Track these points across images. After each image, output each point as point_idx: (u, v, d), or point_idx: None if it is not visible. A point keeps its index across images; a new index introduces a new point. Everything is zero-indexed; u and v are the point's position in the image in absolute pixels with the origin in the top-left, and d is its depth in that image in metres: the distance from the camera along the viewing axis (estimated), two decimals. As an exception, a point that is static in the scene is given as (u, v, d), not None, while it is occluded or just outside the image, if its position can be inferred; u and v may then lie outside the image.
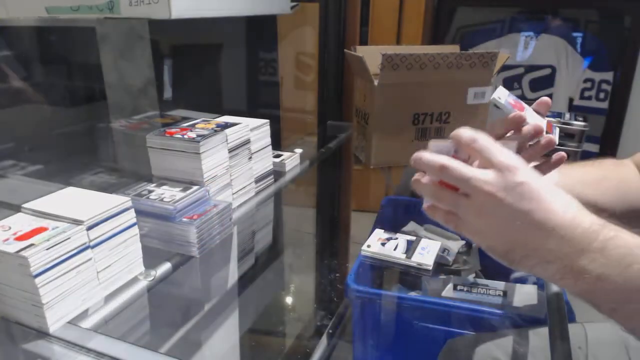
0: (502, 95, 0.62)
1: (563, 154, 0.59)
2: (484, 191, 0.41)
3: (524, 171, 0.42)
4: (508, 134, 0.56)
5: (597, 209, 0.42)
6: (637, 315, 0.39)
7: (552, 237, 0.40)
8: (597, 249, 0.39)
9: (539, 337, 0.72)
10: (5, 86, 0.88)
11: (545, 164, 0.59)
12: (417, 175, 0.48)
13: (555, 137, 0.60)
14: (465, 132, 0.44)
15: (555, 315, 0.60)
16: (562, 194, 0.42)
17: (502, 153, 0.43)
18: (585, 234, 0.39)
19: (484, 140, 0.44)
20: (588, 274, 0.39)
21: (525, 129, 0.56)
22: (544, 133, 0.57)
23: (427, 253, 0.87)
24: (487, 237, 0.43)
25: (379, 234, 0.95)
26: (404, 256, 0.86)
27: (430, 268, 0.81)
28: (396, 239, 0.92)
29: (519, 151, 0.55)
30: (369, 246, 0.90)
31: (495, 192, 0.41)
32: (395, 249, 0.88)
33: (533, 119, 0.60)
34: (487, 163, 0.43)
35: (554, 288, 0.66)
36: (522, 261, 0.42)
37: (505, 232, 0.42)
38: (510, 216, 0.41)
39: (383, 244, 0.90)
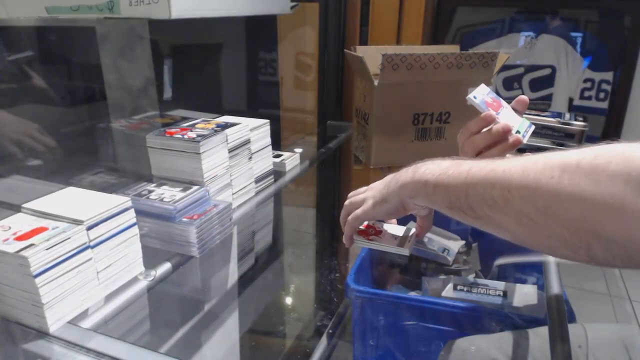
0: (479, 93, 0.65)
1: (529, 154, 0.64)
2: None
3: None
4: (483, 130, 0.64)
5: None
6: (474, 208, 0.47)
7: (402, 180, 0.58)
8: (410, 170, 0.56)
9: (538, 337, 0.72)
10: (5, 86, 0.88)
11: None
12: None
13: (526, 135, 0.64)
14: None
15: (555, 315, 0.60)
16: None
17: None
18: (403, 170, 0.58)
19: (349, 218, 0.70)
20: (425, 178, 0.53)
21: (495, 128, 0.62)
22: (512, 132, 0.62)
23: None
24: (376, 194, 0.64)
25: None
26: (382, 241, 0.84)
27: (407, 254, 0.81)
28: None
29: (489, 148, 0.63)
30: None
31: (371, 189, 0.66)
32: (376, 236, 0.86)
33: (506, 118, 0.62)
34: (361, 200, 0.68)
35: (554, 288, 0.66)
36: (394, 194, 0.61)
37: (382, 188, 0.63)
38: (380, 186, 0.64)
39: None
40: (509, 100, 0.68)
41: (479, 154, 0.65)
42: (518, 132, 0.63)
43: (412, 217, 1.13)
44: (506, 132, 0.62)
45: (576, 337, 0.71)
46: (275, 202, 0.96)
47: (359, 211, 0.66)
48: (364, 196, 0.66)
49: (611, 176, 0.35)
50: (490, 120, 0.62)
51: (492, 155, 0.64)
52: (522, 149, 0.65)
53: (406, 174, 0.56)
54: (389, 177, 0.62)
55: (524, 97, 0.67)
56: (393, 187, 0.59)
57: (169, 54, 1.09)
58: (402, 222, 0.97)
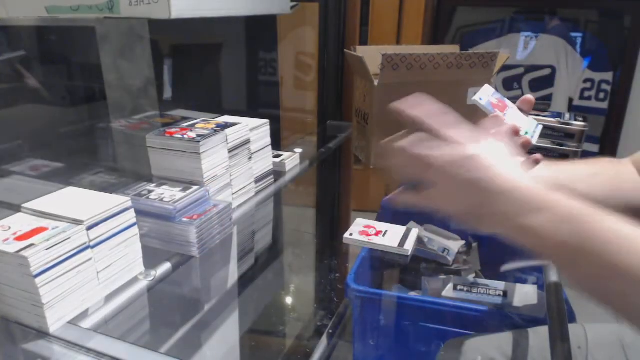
0: (484, 95, 0.63)
1: (539, 155, 0.62)
2: (438, 165, 0.47)
3: (471, 146, 0.47)
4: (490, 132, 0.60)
5: None
6: (587, 278, 0.43)
7: (499, 201, 0.45)
8: (538, 209, 0.44)
9: (538, 337, 0.72)
10: (5, 86, 0.88)
11: (524, 163, 0.62)
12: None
13: (534, 136, 0.62)
14: (417, 111, 0.50)
15: (555, 315, 0.60)
16: (509, 165, 0.47)
17: (454, 130, 0.49)
18: (528, 197, 0.44)
19: (435, 119, 0.50)
20: (532, 230, 0.43)
21: (503, 129, 0.59)
22: (521, 134, 0.60)
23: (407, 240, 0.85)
24: (448, 203, 0.49)
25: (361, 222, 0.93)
26: (383, 241, 0.84)
27: (408, 254, 0.80)
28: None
29: None
30: (351, 234, 0.88)
31: (446, 165, 0.47)
32: (377, 236, 0.87)
33: (513, 119, 0.61)
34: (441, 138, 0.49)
35: (554, 288, 0.66)
36: (479, 223, 0.47)
37: (460, 198, 0.47)
38: (461, 185, 0.46)
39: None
40: (508, 99, 0.67)
41: None
42: (526, 133, 0.61)
43: (412, 217, 1.14)
44: (515, 133, 0.59)
45: (576, 337, 0.71)
46: (275, 202, 0.96)
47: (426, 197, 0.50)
48: (438, 178, 0.49)
49: None
50: (499, 123, 0.60)
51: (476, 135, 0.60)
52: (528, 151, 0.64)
53: (506, 207, 0.44)
54: (466, 183, 0.46)
55: (530, 97, 0.64)
56: (488, 215, 0.46)
57: (169, 54, 1.09)
58: (402, 222, 0.97)
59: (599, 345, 0.70)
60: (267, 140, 0.88)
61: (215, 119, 0.84)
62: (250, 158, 0.83)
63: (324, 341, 0.80)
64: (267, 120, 0.87)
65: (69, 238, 0.52)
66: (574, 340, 0.63)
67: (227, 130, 0.76)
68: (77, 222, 0.53)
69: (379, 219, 1.10)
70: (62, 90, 0.98)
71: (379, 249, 0.81)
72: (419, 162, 0.48)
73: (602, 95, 1.93)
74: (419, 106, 0.51)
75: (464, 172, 0.46)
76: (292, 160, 1.01)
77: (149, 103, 0.93)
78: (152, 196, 0.69)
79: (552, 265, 0.46)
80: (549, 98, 1.98)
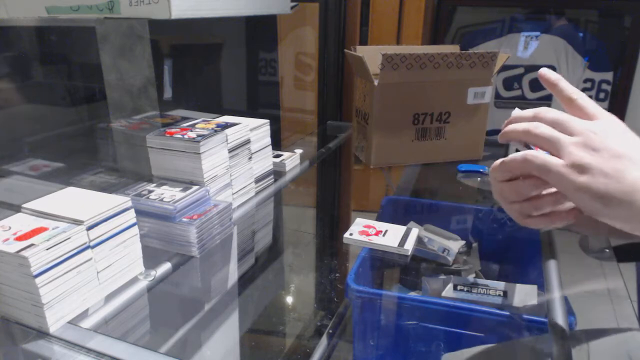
0: None
1: None
2: (589, 129, 0.44)
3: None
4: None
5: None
6: None
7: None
8: None
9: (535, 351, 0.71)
10: (4, 86, 0.88)
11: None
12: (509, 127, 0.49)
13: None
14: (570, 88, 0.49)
15: (555, 315, 0.60)
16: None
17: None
18: None
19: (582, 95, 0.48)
20: None
21: None
22: None
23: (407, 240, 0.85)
24: (587, 169, 0.42)
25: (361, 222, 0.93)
26: (383, 241, 0.84)
27: (408, 254, 0.81)
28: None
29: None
30: (351, 234, 0.88)
31: (596, 130, 0.44)
32: (377, 236, 0.87)
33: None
34: (586, 115, 0.47)
35: (554, 288, 0.66)
36: (619, 205, 0.41)
37: (607, 164, 0.42)
38: (614, 148, 0.42)
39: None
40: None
41: (528, 200, 0.49)
42: None
43: (412, 217, 1.14)
44: None
45: (578, 345, 0.70)
46: (275, 202, 0.97)
47: (550, 166, 0.43)
48: (575, 158, 0.43)
49: None
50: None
51: (551, 201, 0.48)
52: None
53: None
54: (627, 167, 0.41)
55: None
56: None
57: (169, 54, 1.09)
58: (402, 222, 0.97)
59: (601, 352, 0.70)
60: (267, 140, 0.89)
61: (216, 119, 0.84)
62: (250, 158, 0.83)
63: (324, 341, 0.80)
64: (267, 120, 0.87)
65: (69, 238, 0.52)
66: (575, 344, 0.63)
67: (227, 130, 0.76)
68: (77, 222, 0.53)
69: (378, 219, 1.10)
70: (62, 90, 0.98)
71: (379, 248, 0.81)
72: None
73: (602, 95, 1.93)
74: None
75: (619, 137, 0.44)
76: (292, 160, 1.01)
77: (149, 103, 0.93)
78: (152, 196, 0.69)
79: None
80: (549, 98, 1.98)
